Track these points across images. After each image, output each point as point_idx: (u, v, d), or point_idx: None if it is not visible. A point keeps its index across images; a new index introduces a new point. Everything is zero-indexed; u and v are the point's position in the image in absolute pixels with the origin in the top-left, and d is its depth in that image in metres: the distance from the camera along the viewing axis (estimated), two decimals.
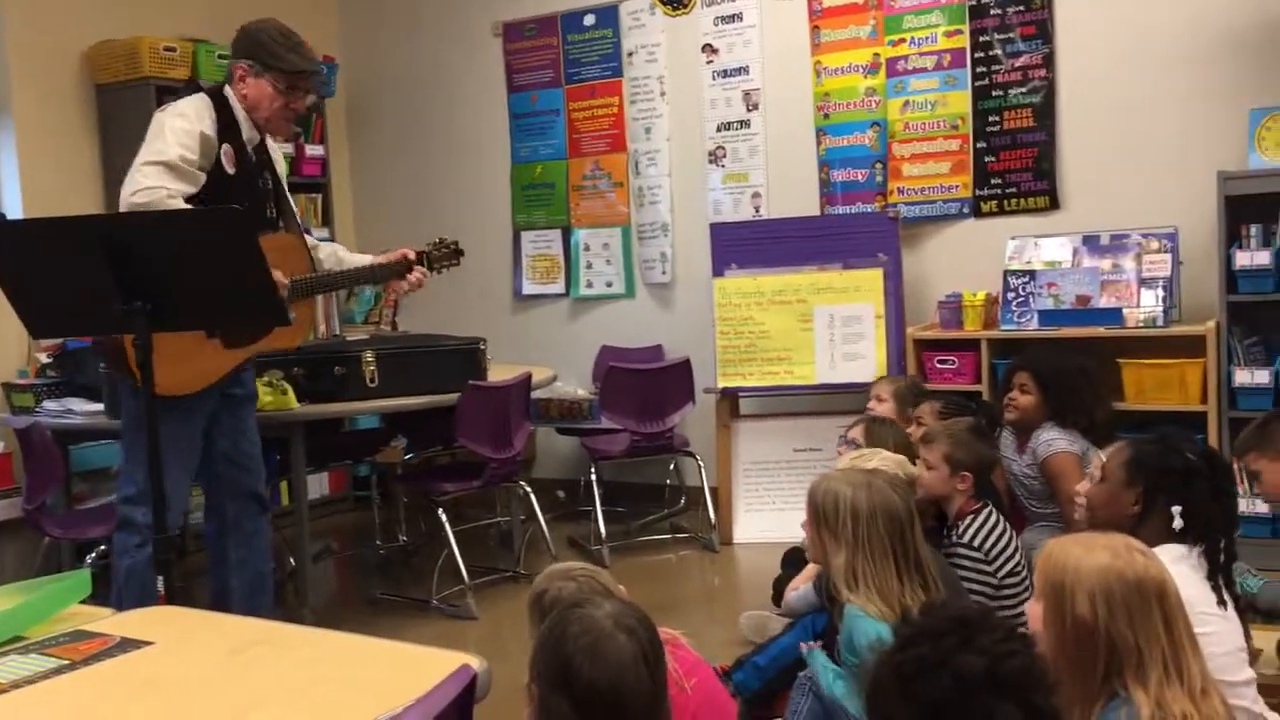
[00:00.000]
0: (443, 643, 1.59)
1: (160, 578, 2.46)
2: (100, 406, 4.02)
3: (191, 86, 3.43)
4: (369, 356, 4.00)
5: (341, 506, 5.99)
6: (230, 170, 3.23)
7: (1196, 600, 2.14)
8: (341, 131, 6.33)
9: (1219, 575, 2.26)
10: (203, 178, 3.14)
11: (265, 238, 3.18)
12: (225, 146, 3.21)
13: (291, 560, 4.50)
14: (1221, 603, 2.21)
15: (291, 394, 3.87)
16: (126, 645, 1.60)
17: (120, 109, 5.13)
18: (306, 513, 4.10)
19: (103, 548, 4.03)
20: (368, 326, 5.92)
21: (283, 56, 3.29)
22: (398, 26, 6.26)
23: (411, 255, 3.67)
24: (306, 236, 3.62)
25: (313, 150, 5.84)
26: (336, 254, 3.69)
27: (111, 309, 2.47)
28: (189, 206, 3.06)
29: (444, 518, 4.16)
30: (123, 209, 3.08)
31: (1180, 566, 2.19)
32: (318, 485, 5.77)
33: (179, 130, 3.12)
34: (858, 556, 2.44)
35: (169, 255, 2.54)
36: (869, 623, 2.35)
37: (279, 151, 3.57)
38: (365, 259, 3.68)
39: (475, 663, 1.44)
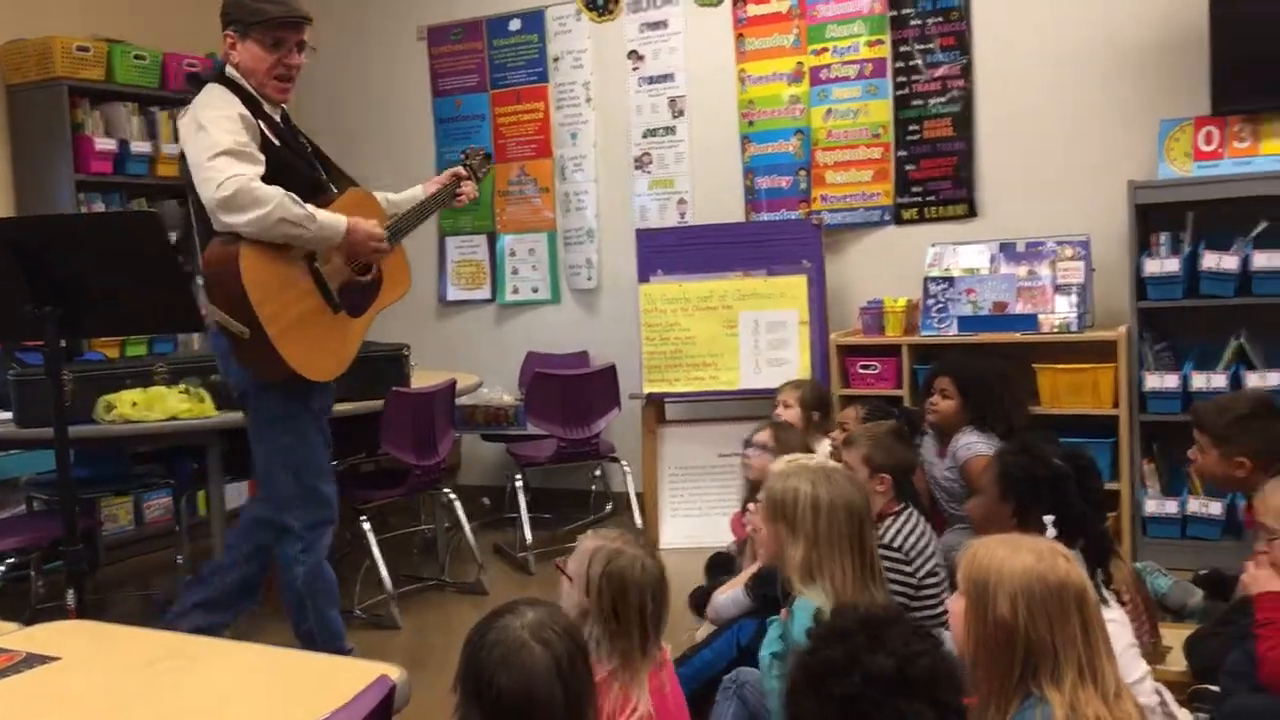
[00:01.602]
0: (365, 653, 1.57)
1: (70, 590, 2.39)
2: (8, 415, 3.90)
3: (193, 81, 3.31)
4: None
5: None
6: (276, 142, 3.13)
7: None
8: None
9: (1099, 571, 2.32)
10: (262, 157, 3.03)
11: (342, 196, 3.24)
12: (260, 122, 3.10)
13: None
14: (1104, 601, 2.27)
15: (209, 401, 3.79)
16: (32, 660, 1.55)
17: (31, 110, 5.00)
18: (224, 523, 4.02)
19: (12, 560, 3.91)
20: None
21: (260, 9, 3.13)
22: (320, 29, 6.10)
23: (462, 171, 3.69)
24: None
25: (178, 148, 5.69)
26: (387, 198, 3.58)
27: (22, 313, 2.41)
28: (264, 185, 2.94)
29: (367, 526, 4.11)
30: (213, 208, 2.94)
31: None
32: (237, 495, 5.64)
33: (218, 119, 2.99)
34: (815, 550, 2.46)
35: (81, 258, 2.48)
36: (810, 615, 2.37)
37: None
38: (415, 191, 3.60)
39: (394, 673, 1.43)
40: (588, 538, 2.32)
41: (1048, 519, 2.35)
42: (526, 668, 1.56)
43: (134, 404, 3.69)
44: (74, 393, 3.62)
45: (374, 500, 4.24)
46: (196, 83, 3.21)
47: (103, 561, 4.83)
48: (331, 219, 3.07)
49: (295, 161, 3.19)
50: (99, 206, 5.09)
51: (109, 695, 1.46)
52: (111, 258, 2.52)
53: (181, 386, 3.79)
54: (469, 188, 3.66)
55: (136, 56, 5.26)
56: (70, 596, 2.40)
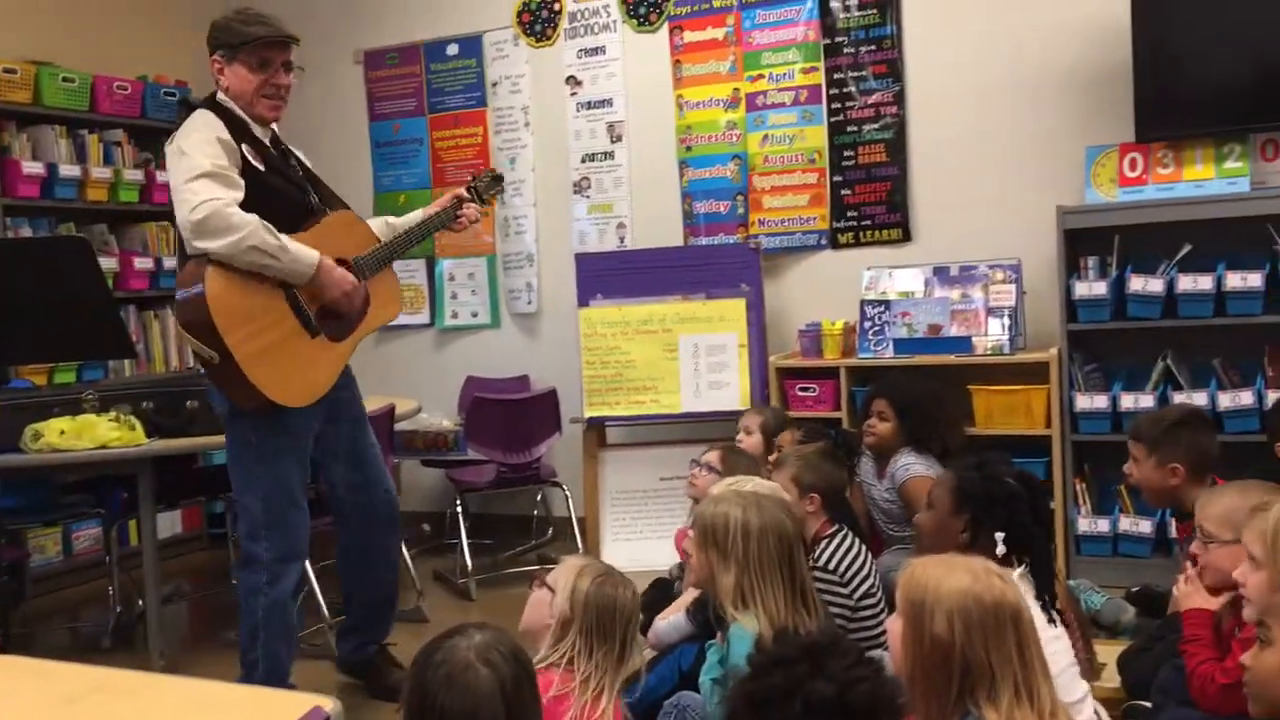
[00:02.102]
0: (301, 684, 1.54)
1: None
2: None
3: (183, 106, 3.28)
4: None
5: (195, 545, 5.77)
6: (260, 166, 3.11)
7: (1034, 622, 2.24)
8: None
9: (1045, 591, 2.37)
10: (242, 182, 3.02)
11: (325, 220, 3.24)
12: (245, 146, 3.09)
13: (140, 603, 4.31)
14: (1051, 621, 2.31)
15: (140, 429, 3.72)
16: None
17: None
18: (155, 553, 3.94)
19: None
20: None
21: (244, 32, 3.13)
22: None
23: (464, 193, 3.63)
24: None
25: (164, 178, 5.61)
26: (387, 222, 3.61)
27: None
28: (240, 211, 2.93)
29: None
30: (186, 231, 2.92)
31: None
32: (170, 524, 5.55)
33: (198, 143, 2.99)
34: (747, 575, 2.47)
35: (8, 284, 2.43)
36: (750, 638, 2.38)
37: (298, 151, 3.47)
38: (416, 215, 3.59)
39: (328, 704, 1.41)
40: (571, 557, 2.43)
41: (998, 536, 2.39)
42: (471, 689, 1.56)
43: (62, 432, 3.61)
44: (0, 421, 3.53)
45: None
46: (187, 108, 3.20)
47: (30, 594, 4.71)
48: (303, 255, 3.04)
49: (283, 186, 3.18)
50: (26, 232, 4.98)
51: None
52: (39, 284, 2.48)
53: (112, 414, 3.72)
54: (471, 210, 3.61)
55: (65, 79, 5.17)
56: None
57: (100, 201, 5.27)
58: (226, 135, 3.05)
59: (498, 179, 3.83)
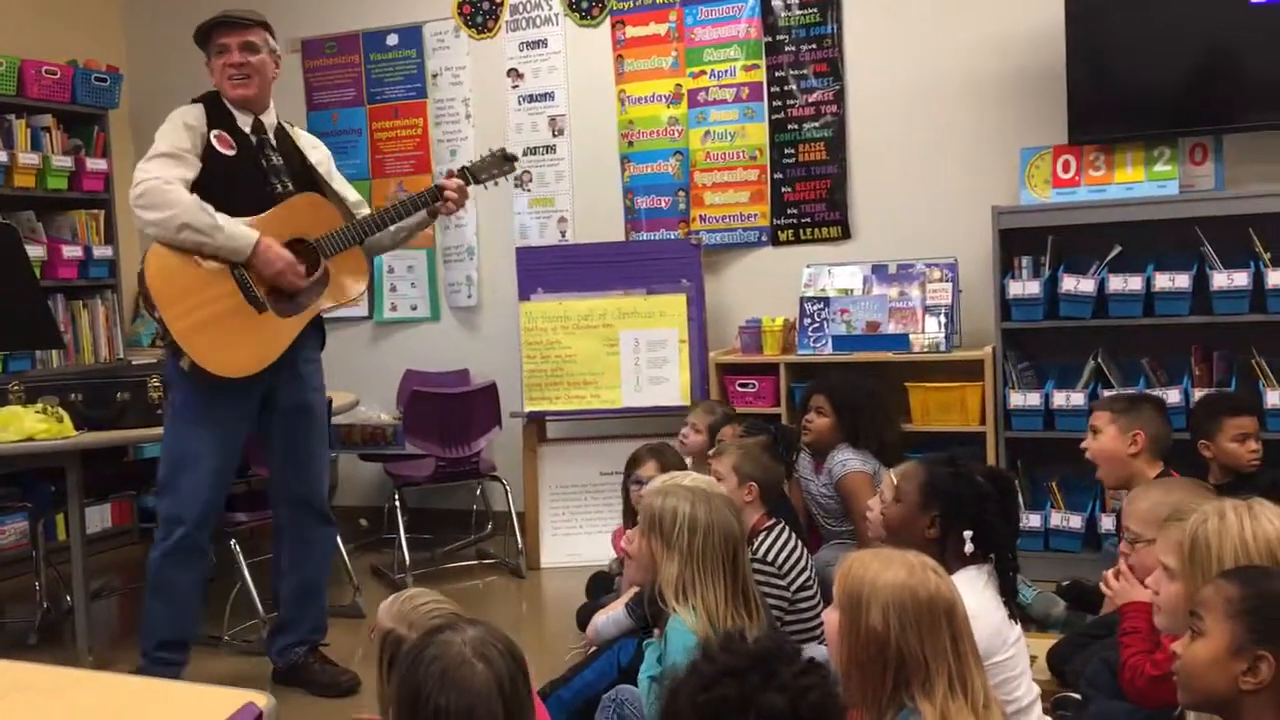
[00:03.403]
0: (236, 681, 1.52)
1: None
2: None
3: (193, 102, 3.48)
4: (155, 381, 3.79)
5: (126, 539, 5.65)
6: (226, 151, 3.31)
7: (1001, 627, 2.27)
8: (127, 144, 6.00)
9: (1009, 590, 2.40)
10: (197, 161, 3.25)
11: (287, 202, 3.36)
12: (218, 131, 3.31)
13: (68, 598, 4.22)
14: (1012, 617, 2.34)
15: (69, 422, 3.64)
16: None
17: None
18: (83, 547, 3.85)
19: None
20: (155, 350, 5.63)
21: (199, 30, 3.39)
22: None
23: (447, 183, 3.58)
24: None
25: (94, 164, 5.51)
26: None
27: None
28: (179, 190, 3.16)
29: (237, 549, 4.00)
30: (130, 205, 3.18)
31: (985, 594, 2.31)
32: (99, 518, 5.43)
33: (165, 129, 3.27)
34: (689, 568, 2.48)
35: None
36: (687, 635, 2.39)
37: (304, 141, 3.59)
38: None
39: (261, 700, 1.39)
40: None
41: (966, 534, 2.40)
42: (468, 686, 1.50)
43: None
44: None
45: (244, 523, 4.13)
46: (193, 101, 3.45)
47: None
48: (239, 235, 3.22)
49: (250, 173, 3.34)
50: None
51: None
52: None
53: (39, 406, 3.63)
54: (453, 183, 3.57)
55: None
56: None
57: (28, 188, 5.14)
58: (196, 121, 3.28)
59: (508, 158, 3.79)
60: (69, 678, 1.61)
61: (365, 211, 3.60)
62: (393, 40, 5.59)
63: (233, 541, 3.99)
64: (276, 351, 3.31)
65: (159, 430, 3.81)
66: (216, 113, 3.36)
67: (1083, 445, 3.33)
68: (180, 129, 3.26)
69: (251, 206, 3.29)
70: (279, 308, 3.32)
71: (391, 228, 3.57)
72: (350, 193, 3.64)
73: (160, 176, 3.15)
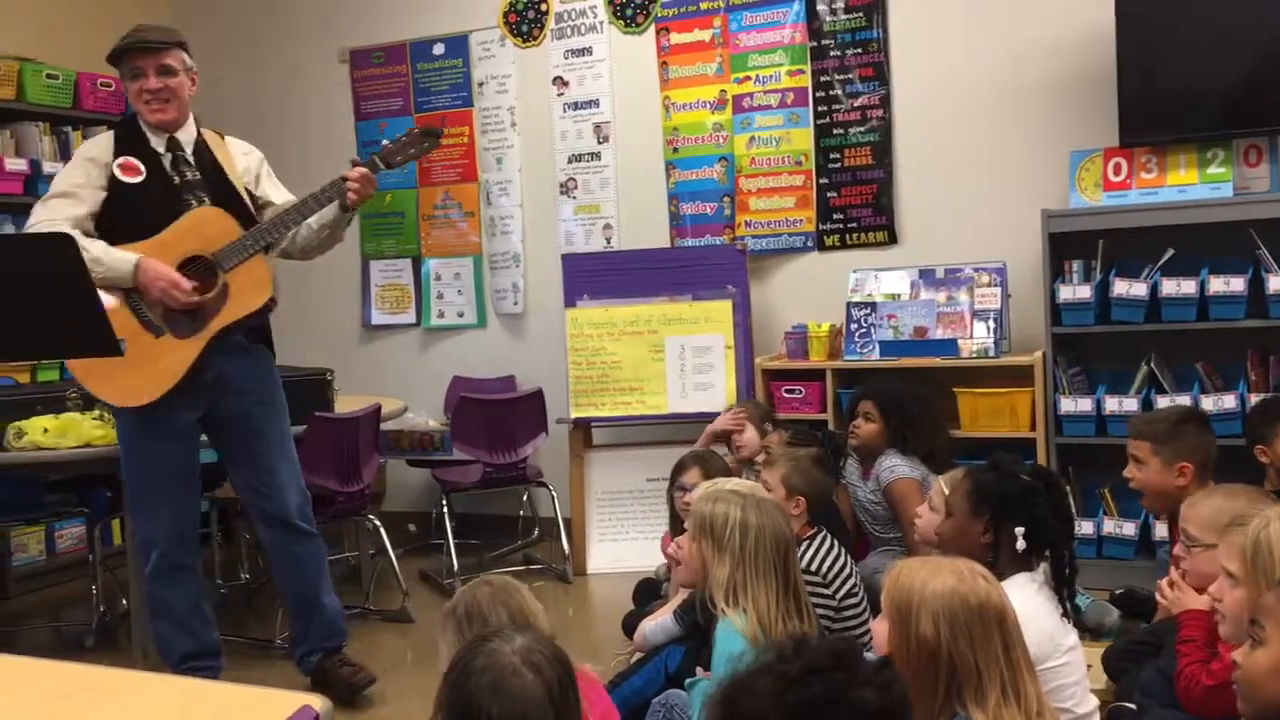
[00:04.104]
0: (287, 684, 1.54)
1: None
2: None
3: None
4: None
5: None
6: (131, 179, 3.27)
7: (1055, 631, 2.24)
8: None
9: (1064, 590, 2.37)
10: (90, 195, 3.23)
11: (179, 221, 3.26)
12: (123, 160, 3.27)
13: (124, 602, 4.29)
14: (1066, 616, 2.31)
15: None
16: None
17: None
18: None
19: None
20: None
21: (115, 47, 3.30)
22: (240, 49, 6.11)
23: (350, 172, 3.36)
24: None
25: None
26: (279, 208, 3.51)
27: None
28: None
29: None
30: None
31: (1037, 599, 2.29)
32: None
33: (65, 169, 3.33)
34: (740, 571, 2.49)
35: None
36: (735, 638, 2.40)
37: (234, 149, 3.50)
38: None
39: (317, 703, 1.40)
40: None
41: (1018, 531, 2.39)
42: (518, 695, 1.50)
43: (45, 430, 3.60)
44: None
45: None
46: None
47: (12, 593, 4.68)
48: (118, 261, 3.16)
49: (154, 196, 3.27)
50: (9, 228, 4.95)
51: None
52: (23, 280, 2.45)
53: (95, 413, 3.70)
54: (355, 173, 3.33)
55: (49, 76, 5.15)
56: None
57: None
58: (99, 153, 3.29)
59: (427, 134, 3.49)
60: (129, 679, 1.64)
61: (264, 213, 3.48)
62: (439, 50, 5.64)
63: None
64: (178, 372, 3.21)
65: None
66: (129, 136, 3.33)
67: (1126, 474, 3.25)
68: (78, 166, 3.27)
69: (160, 228, 3.24)
70: (179, 329, 3.24)
71: (315, 225, 3.43)
72: (279, 196, 3.53)
73: (45, 220, 3.16)
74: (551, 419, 4.89)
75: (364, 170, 3.35)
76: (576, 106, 5.39)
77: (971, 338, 4.33)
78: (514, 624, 1.94)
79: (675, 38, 5.15)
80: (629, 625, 3.41)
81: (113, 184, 3.25)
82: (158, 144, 3.33)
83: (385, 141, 3.51)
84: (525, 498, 5.40)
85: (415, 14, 5.69)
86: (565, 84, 5.40)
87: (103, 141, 3.33)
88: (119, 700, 1.52)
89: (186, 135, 3.39)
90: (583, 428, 4.93)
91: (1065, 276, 4.22)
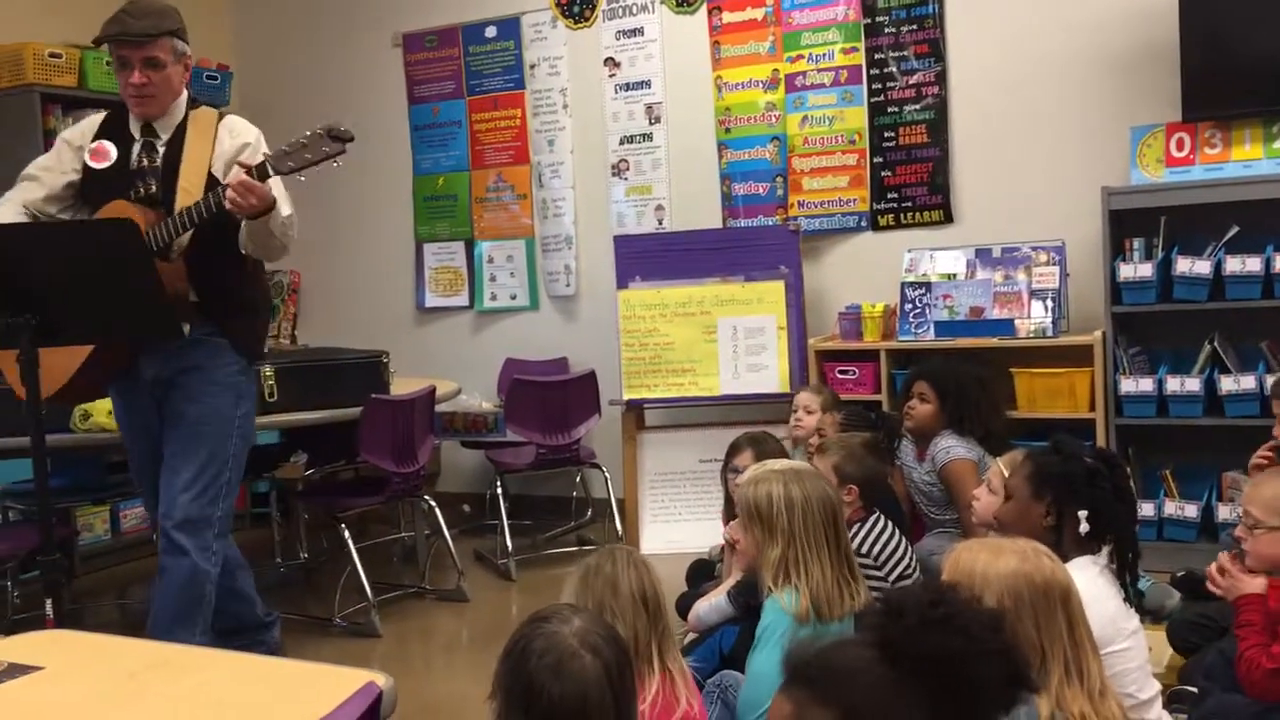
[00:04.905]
0: (346, 661, 1.57)
1: (49, 600, 2.37)
2: None
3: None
4: (267, 371, 3.91)
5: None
6: (98, 164, 3.18)
7: (1117, 615, 2.22)
8: None
9: (1128, 573, 2.34)
10: (52, 178, 3.20)
11: (104, 208, 3.12)
12: (96, 144, 3.19)
13: None
14: (1128, 601, 2.28)
15: None
16: (15, 670, 1.54)
17: (4, 116, 4.95)
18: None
19: None
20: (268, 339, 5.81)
21: (100, 32, 3.12)
22: (294, 33, 6.16)
23: (229, 179, 2.97)
24: None
25: None
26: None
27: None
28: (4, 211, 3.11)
29: (346, 534, 4.09)
30: None
31: (1100, 581, 2.26)
32: None
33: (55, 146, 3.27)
34: (793, 547, 2.49)
35: (58, 267, 2.46)
36: (781, 616, 2.41)
37: (223, 132, 3.22)
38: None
39: (381, 680, 1.42)
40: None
41: (1081, 514, 2.36)
42: (579, 677, 1.53)
43: (110, 412, 3.66)
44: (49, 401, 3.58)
45: (353, 508, 4.23)
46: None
47: (78, 571, 4.79)
48: None
49: (115, 179, 3.16)
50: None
51: (93, 705, 1.45)
52: (89, 266, 2.51)
53: None
54: (232, 178, 2.94)
55: (109, 63, 5.22)
56: (49, 606, 2.38)
57: None
58: (76, 136, 3.24)
59: (335, 136, 2.97)
60: (197, 655, 1.68)
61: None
62: (491, 32, 5.66)
63: (342, 526, 4.09)
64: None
65: (270, 418, 3.95)
66: (117, 118, 3.26)
67: (1257, 460, 3.14)
68: (55, 148, 3.27)
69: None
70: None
71: (244, 234, 3.11)
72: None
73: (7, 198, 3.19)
74: (604, 400, 4.91)
75: (241, 177, 2.92)
76: (628, 87, 5.37)
77: (1029, 317, 4.27)
78: (637, 595, 2.10)
79: (727, 16, 5.11)
80: (683, 606, 3.41)
81: (84, 167, 3.21)
82: (134, 129, 3.24)
83: (283, 146, 3.00)
84: (578, 479, 5.43)
85: None
86: (617, 65, 5.39)
87: (86, 124, 3.29)
88: (189, 676, 1.55)
89: (168, 121, 3.21)
90: (635, 409, 4.94)
91: (1126, 255, 4.15)
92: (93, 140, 3.21)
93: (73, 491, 4.48)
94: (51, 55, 4.96)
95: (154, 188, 3.15)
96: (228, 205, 2.92)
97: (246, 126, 3.29)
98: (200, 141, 3.19)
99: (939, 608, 1.37)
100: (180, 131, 3.21)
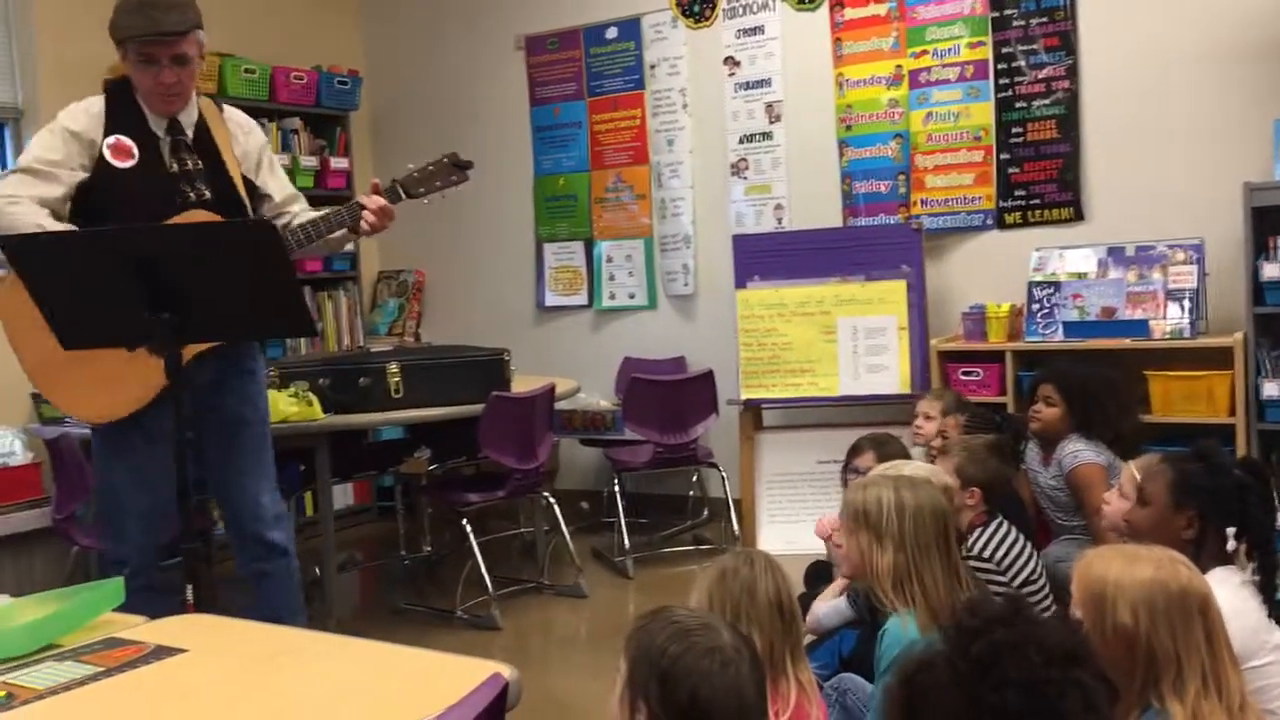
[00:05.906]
0: (467, 653, 1.59)
1: (189, 586, 2.47)
2: None
3: (105, 87, 3.09)
4: (393, 368, 4.02)
5: (366, 517, 6.01)
6: (123, 163, 2.90)
7: (1260, 629, 2.12)
8: (365, 144, 6.37)
9: (1272, 591, 2.24)
10: (69, 175, 2.87)
11: (173, 220, 2.90)
12: (115, 139, 2.90)
13: (317, 570, 4.52)
14: (1272, 617, 2.18)
15: (317, 405, 3.89)
16: (160, 653, 1.61)
17: None
18: (332, 523, 4.12)
19: None
20: (391, 338, 5.96)
21: (127, 25, 2.83)
22: (420, 39, 6.30)
23: (363, 199, 3.06)
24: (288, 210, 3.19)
25: (337, 163, 5.88)
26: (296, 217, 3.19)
27: (139, 320, 2.48)
28: (24, 211, 2.78)
29: (468, 528, 4.17)
30: None
31: (1242, 592, 2.17)
32: (342, 496, 5.80)
33: (43, 133, 2.91)
34: (903, 555, 2.41)
35: (197, 267, 2.55)
36: (899, 638, 2.35)
37: (233, 127, 3.10)
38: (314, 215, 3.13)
39: (507, 671, 1.45)
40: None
41: (1230, 531, 2.25)
42: (731, 687, 1.53)
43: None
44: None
45: (474, 503, 4.31)
46: (105, 86, 3.06)
47: (214, 560, 4.97)
48: None
49: (153, 183, 2.92)
50: None
51: (234, 687, 1.51)
52: (228, 266, 2.60)
53: (291, 390, 3.90)
54: (372, 205, 3.03)
55: (247, 70, 5.43)
56: (189, 592, 2.47)
57: None
58: (85, 127, 2.89)
59: (459, 165, 3.19)
60: (327, 643, 1.73)
61: (298, 208, 3.18)
62: (612, 33, 5.70)
63: (464, 521, 4.17)
64: (153, 389, 2.83)
65: (396, 414, 4.05)
66: (124, 109, 2.93)
67: None
68: (59, 138, 2.87)
69: (154, 222, 2.82)
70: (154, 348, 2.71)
71: (321, 241, 3.10)
72: (279, 189, 3.18)
73: (10, 195, 2.79)
74: (722, 400, 4.90)
75: (383, 203, 3.04)
76: (748, 86, 5.36)
77: (1165, 318, 4.12)
78: (774, 602, 2.12)
79: (849, 13, 5.06)
80: (801, 607, 3.39)
81: (99, 165, 2.89)
82: (157, 125, 2.96)
83: (411, 166, 3.15)
84: (695, 478, 5.43)
85: None
86: (737, 64, 5.38)
87: (92, 112, 2.92)
88: (318, 663, 1.60)
89: (188, 116, 3.02)
90: (753, 409, 4.92)
91: (1269, 253, 3.97)
92: (105, 134, 2.91)
93: (208, 484, 4.65)
94: None
95: (206, 194, 2.99)
96: (364, 226, 3.01)
97: (249, 120, 3.19)
98: (221, 135, 3.08)
99: (1009, 627, 1.34)
100: (203, 125, 3.05)
